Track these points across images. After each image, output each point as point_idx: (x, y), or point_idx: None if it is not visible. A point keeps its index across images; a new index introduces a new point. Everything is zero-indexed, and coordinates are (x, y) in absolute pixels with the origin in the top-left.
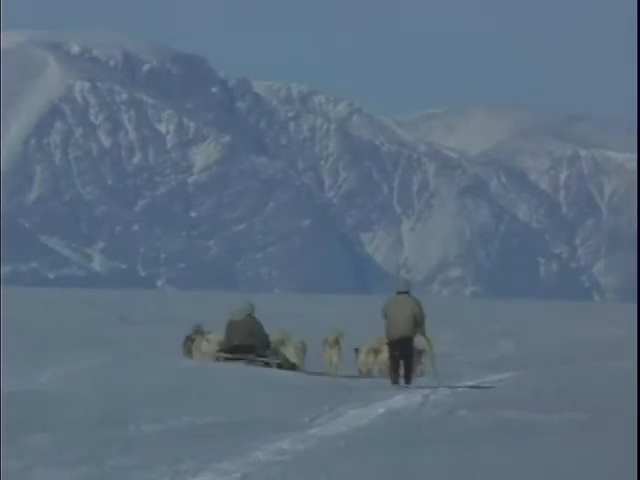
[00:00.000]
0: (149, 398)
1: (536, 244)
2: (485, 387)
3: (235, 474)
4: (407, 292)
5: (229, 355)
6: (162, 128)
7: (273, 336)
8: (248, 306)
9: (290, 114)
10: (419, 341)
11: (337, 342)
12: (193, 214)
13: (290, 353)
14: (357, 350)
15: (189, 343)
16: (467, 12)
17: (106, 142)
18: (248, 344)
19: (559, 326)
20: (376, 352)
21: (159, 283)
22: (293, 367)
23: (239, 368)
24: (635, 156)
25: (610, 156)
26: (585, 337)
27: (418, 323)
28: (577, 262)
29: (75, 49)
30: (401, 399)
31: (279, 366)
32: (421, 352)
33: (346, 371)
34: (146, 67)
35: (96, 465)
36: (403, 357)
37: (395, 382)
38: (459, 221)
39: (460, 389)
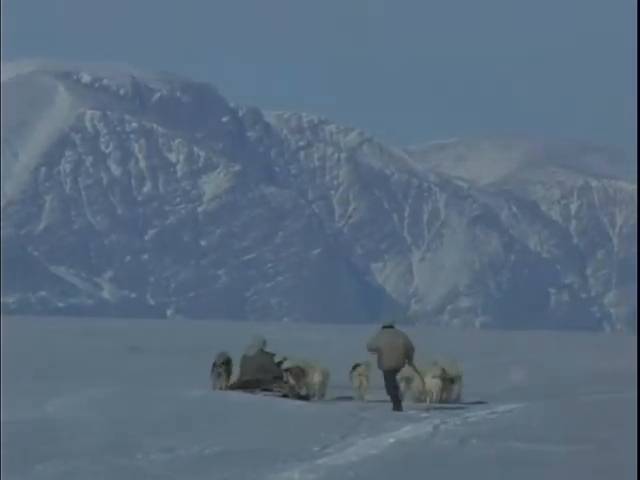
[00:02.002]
0: (158, 428)
1: (547, 274)
2: (495, 418)
3: None
4: (392, 326)
5: (239, 390)
6: (172, 157)
7: (292, 365)
8: (260, 341)
9: (300, 143)
10: (454, 369)
11: (367, 368)
12: (203, 243)
13: (315, 380)
14: None
15: (217, 369)
16: (476, 43)
17: (116, 171)
18: (258, 378)
19: (569, 357)
20: (408, 380)
21: (169, 312)
22: (300, 397)
23: (249, 397)
24: None
25: (621, 186)
26: (595, 368)
27: (408, 355)
28: (588, 293)
29: (85, 78)
30: (411, 429)
31: (284, 397)
32: (455, 379)
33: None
34: (156, 96)
35: None
36: (393, 386)
37: (398, 409)
38: (469, 251)
39: (470, 419)
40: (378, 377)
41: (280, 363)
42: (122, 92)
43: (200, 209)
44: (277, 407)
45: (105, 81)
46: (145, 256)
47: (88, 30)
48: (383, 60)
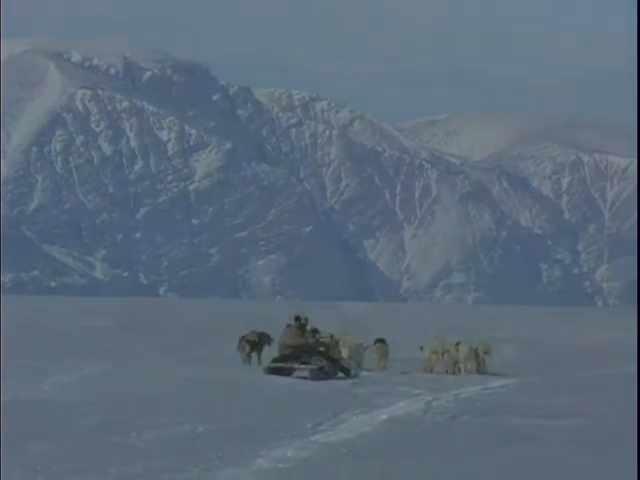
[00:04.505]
0: (151, 406)
1: (538, 250)
2: (488, 393)
3: None
4: None
5: (280, 364)
6: (163, 135)
7: (325, 339)
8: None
9: (292, 121)
10: (485, 346)
11: (385, 343)
12: (195, 221)
13: (343, 355)
14: (422, 348)
15: (242, 344)
16: (468, 18)
17: (107, 150)
18: (296, 354)
19: (562, 332)
20: (442, 352)
21: (161, 291)
22: (341, 370)
23: (241, 374)
24: (637, 160)
25: (612, 161)
26: (588, 343)
27: None
28: (580, 268)
29: (76, 57)
30: (404, 406)
31: (321, 370)
32: (484, 355)
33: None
34: (147, 75)
35: (98, 473)
36: None
37: None
38: (461, 227)
39: (463, 395)
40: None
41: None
42: (113, 71)
43: (192, 187)
44: (270, 385)
45: (95, 60)
46: (137, 235)
47: (79, 9)
48: (373, 36)
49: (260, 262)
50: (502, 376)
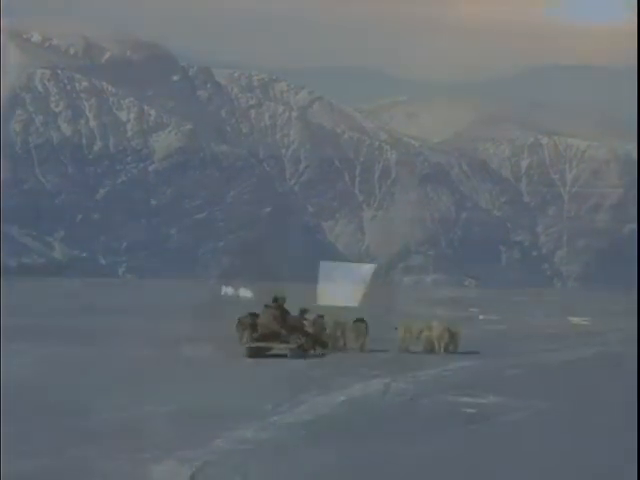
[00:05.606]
0: (110, 387)
1: (498, 232)
2: (446, 375)
3: (197, 462)
4: None
5: (261, 344)
6: (123, 116)
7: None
8: (282, 298)
9: (251, 102)
10: (455, 327)
11: (364, 322)
12: (154, 202)
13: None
14: (397, 329)
15: (241, 325)
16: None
17: (67, 130)
18: (275, 332)
19: (520, 314)
20: (419, 332)
21: (120, 271)
22: (321, 346)
23: (200, 356)
24: (596, 143)
25: (571, 143)
26: (547, 325)
27: None
28: (539, 250)
29: (35, 37)
30: (362, 387)
31: (300, 347)
32: (454, 334)
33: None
34: (106, 55)
35: (57, 455)
36: None
37: None
38: (420, 209)
39: (422, 378)
40: (374, 331)
41: (303, 317)
42: (72, 51)
43: (151, 168)
44: (229, 366)
45: (55, 40)
46: (96, 215)
47: None
48: (332, 18)
49: (219, 243)
50: (460, 358)
